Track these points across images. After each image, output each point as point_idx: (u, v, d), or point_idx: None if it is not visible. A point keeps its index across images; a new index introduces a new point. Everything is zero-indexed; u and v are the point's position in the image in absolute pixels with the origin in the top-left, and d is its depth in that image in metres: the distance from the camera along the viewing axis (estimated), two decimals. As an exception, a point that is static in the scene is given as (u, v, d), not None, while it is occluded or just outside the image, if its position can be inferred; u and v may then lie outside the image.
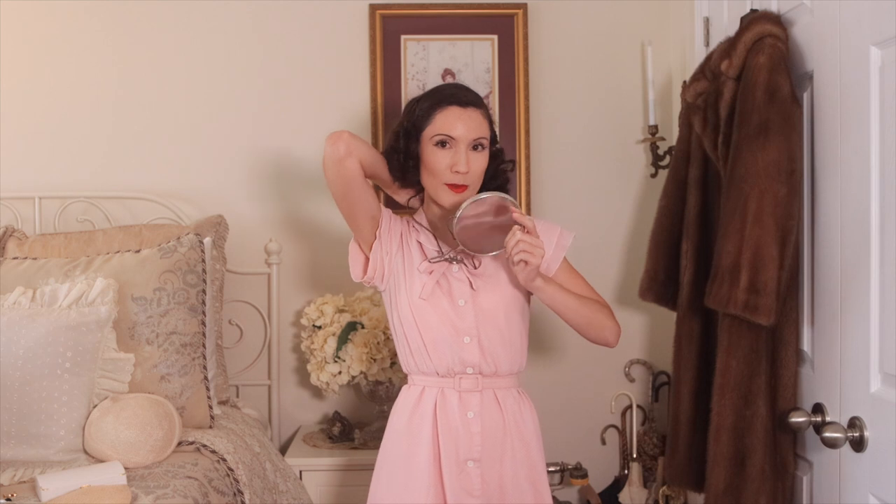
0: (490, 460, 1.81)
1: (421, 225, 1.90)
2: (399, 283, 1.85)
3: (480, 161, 1.81)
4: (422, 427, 1.81)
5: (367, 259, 1.87)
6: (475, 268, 1.85)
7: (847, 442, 1.50)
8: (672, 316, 2.15)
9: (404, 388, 1.90)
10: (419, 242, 1.88)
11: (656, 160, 2.65)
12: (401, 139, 1.82)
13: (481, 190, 1.84)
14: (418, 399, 1.84)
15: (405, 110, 1.87)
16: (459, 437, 1.80)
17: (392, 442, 1.85)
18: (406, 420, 1.84)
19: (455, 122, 1.77)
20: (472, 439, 1.80)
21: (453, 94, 1.81)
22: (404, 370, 1.90)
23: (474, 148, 1.79)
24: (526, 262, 1.72)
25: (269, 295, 2.67)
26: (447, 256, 1.84)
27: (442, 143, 1.78)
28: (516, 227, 1.73)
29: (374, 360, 2.41)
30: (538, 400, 2.70)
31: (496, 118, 2.66)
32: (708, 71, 1.88)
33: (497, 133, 1.90)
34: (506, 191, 1.89)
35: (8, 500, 1.77)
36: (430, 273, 1.83)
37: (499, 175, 1.92)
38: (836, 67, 1.59)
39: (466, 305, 1.82)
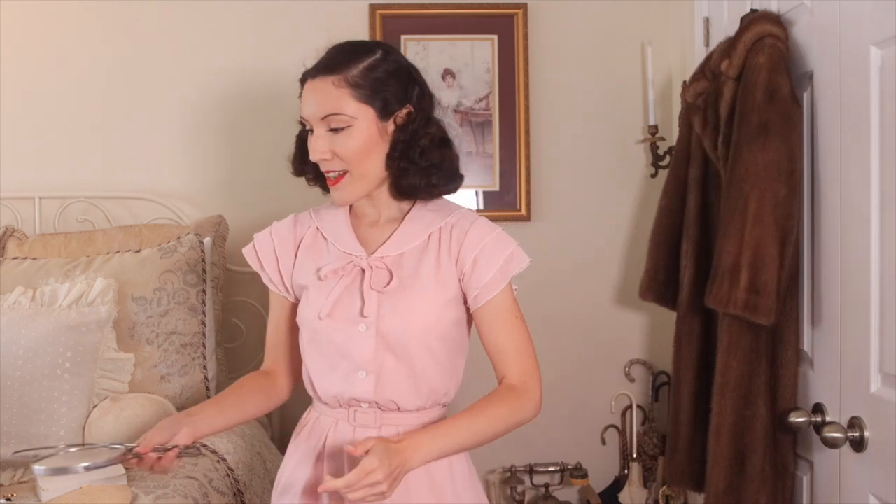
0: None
1: (335, 212, 1.56)
2: (300, 297, 1.53)
3: (345, 142, 1.41)
4: (306, 462, 1.50)
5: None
6: (386, 284, 1.44)
7: (847, 442, 1.50)
8: (672, 316, 2.15)
9: (308, 409, 1.60)
10: (325, 238, 1.54)
11: (656, 160, 2.65)
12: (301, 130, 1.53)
13: (402, 175, 1.46)
14: (311, 429, 1.54)
15: None
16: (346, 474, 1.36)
17: (284, 464, 1.58)
18: (294, 451, 1.55)
19: (305, 101, 1.44)
20: None
21: (310, 67, 1.47)
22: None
23: (334, 130, 1.41)
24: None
25: (270, 294, 2.66)
26: (358, 262, 1.47)
27: (311, 131, 1.44)
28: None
29: (374, 360, 2.41)
30: (538, 400, 2.72)
31: (495, 118, 2.67)
32: (708, 71, 1.89)
33: (387, 99, 1.43)
34: (440, 176, 1.47)
35: (8, 500, 1.76)
36: (338, 281, 1.46)
37: (423, 154, 1.45)
38: (836, 67, 1.59)
39: (367, 332, 1.43)
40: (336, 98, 1.40)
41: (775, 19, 1.73)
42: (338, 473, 1.42)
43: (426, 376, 1.46)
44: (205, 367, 2.23)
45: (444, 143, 1.49)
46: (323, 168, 1.45)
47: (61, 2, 2.64)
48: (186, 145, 2.68)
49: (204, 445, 2.08)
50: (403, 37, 2.67)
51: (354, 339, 1.43)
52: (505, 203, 2.68)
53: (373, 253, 1.49)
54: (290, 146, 2.66)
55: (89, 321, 2.02)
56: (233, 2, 2.67)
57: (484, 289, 1.45)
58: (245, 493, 2.05)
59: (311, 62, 1.50)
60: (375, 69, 1.44)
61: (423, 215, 1.51)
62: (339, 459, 1.46)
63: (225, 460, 2.06)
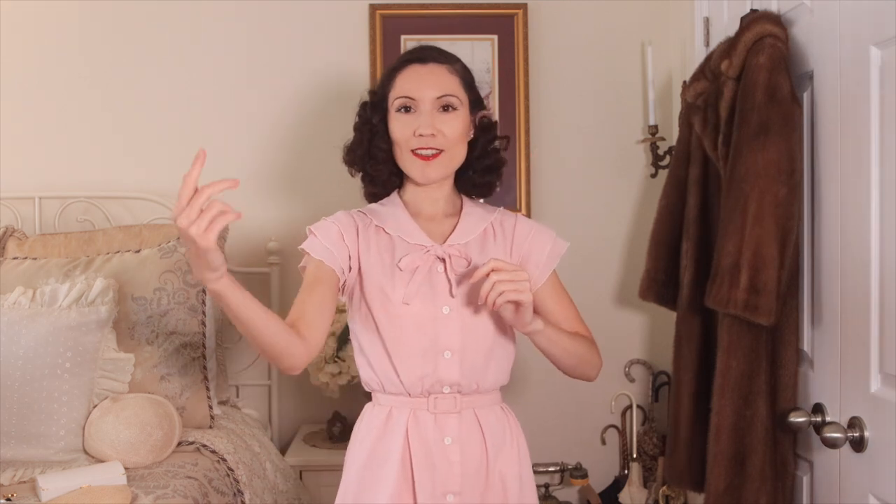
0: (472, 493, 1.53)
1: (391, 210, 1.61)
2: (371, 287, 1.55)
3: (453, 123, 1.54)
4: (389, 457, 1.52)
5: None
6: (468, 265, 1.55)
7: (847, 442, 1.50)
8: (672, 316, 2.15)
9: (368, 406, 1.60)
10: (388, 234, 1.58)
11: (656, 160, 2.65)
12: (365, 113, 1.58)
13: (464, 170, 1.60)
14: (385, 422, 1.55)
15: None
16: (436, 467, 1.51)
17: (354, 474, 1.57)
18: (369, 448, 1.55)
19: (415, 81, 1.54)
20: (451, 469, 1.52)
21: (413, 53, 1.59)
22: (366, 388, 1.61)
23: (444, 109, 1.54)
24: (518, 303, 1.41)
25: (270, 295, 2.67)
26: (434, 252, 1.54)
27: (406, 108, 1.54)
28: (485, 271, 1.41)
29: (374, 360, 2.41)
30: (538, 400, 2.72)
31: (495, 118, 2.67)
32: (708, 71, 1.88)
33: (486, 104, 1.66)
34: (498, 176, 1.66)
35: (8, 500, 1.77)
36: (415, 270, 1.53)
37: (490, 154, 1.64)
38: (836, 67, 1.59)
39: (452, 314, 1.53)
40: (451, 81, 1.56)
41: (775, 19, 1.73)
42: (429, 468, 1.51)
43: (496, 357, 1.57)
44: (205, 367, 2.23)
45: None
46: (421, 144, 1.52)
47: (61, 2, 2.65)
48: (186, 145, 2.68)
49: (204, 446, 2.08)
50: (403, 37, 2.67)
51: (440, 320, 1.52)
52: (505, 203, 2.67)
53: (443, 243, 1.58)
54: (290, 145, 2.68)
55: (89, 321, 2.02)
56: (234, 2, 2.67)
57: (542, 270, 1.63)
58: (245, 493, 2.05)
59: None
60: (468, 70, 1.63)
61: (474, 211, 1.65)
62: (430, 454, 1.52)
63: (225, 460, 2.06)
